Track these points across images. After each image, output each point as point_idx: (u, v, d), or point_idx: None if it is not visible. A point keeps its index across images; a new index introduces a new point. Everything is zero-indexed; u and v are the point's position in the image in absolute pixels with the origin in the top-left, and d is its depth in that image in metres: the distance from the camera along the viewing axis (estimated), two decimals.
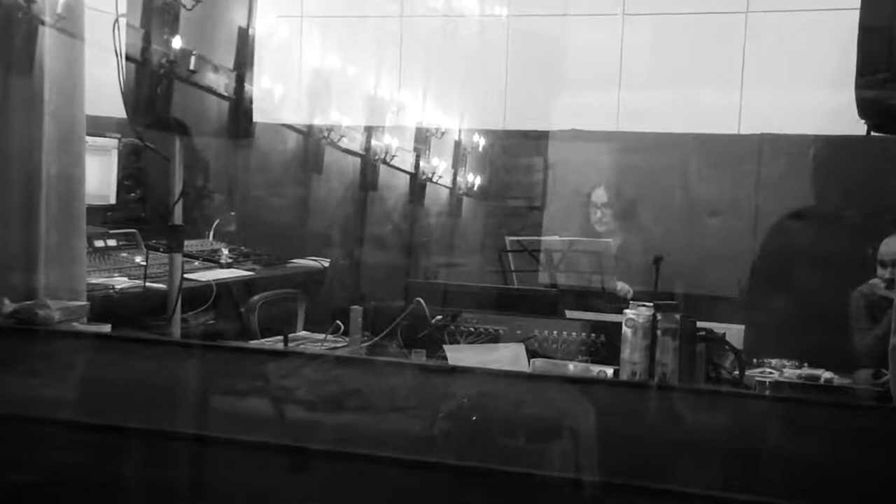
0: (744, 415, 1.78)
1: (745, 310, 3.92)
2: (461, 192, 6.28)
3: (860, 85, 2.55)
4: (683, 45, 4.10)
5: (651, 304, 2.11)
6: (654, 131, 4.13)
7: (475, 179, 6.23)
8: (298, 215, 5.17)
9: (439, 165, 6.06)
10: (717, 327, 3.04)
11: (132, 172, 3.76)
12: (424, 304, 2.42)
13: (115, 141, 3.70)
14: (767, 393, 1.98)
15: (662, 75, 4.16)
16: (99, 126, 3.77)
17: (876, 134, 2.46)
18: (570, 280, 3.52)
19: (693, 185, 4.17)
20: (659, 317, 2.07)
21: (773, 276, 4.03)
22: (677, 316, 2.08)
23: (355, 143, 5.54)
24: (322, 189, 5.47)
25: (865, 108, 2.48)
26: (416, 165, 5.99)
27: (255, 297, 3.46)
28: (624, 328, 2.08)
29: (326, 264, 4.34)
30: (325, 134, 5.30)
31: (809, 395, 1.89)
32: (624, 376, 2.06)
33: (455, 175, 6.28)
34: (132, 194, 3.79)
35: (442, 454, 1.53)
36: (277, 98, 4.94)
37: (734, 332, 3.13)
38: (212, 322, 3.42)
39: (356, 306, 2.44)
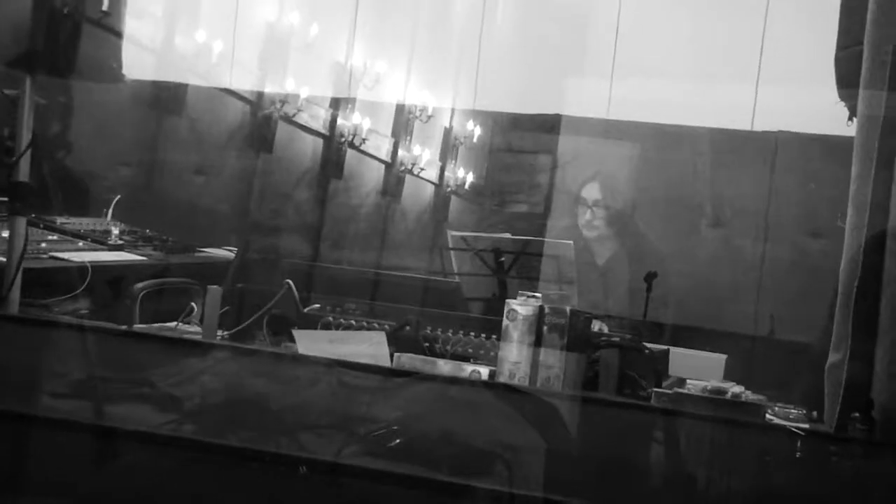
0: (603, 426, 1.91)
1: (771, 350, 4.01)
2: (449, 189, 6.44)
3: (840, 59, 2.68)
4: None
5: (539, 294, 2.23)
6: (647, 121, 4.27)
7: (467, 175, 6.39)
8: (237, 200, 5.33)
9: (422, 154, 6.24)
10: (687, 354, 3.18)
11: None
12: (295, 289, 2.56)
13: None
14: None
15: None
16: None
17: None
18: (523, 289, 3.61)
19: (695, 188, 4.29)
20: (546, 310, 2.19)
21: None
22: (567, 309, 2.19)
23: (317, 120, 5.72)
24: (274, 171, 5.62)
25: (846, 84, 2.60)
26: (394, 153, 6.18)
27: (140, 285, 3.60)
28: (504, 321, 2.20)
29: (258, 258, 4.49)
30: (278, 105, 5.45)
31: (689, 409, 2.00)
32: (503, 379, 2.18)
33: (443, 168, 6.45)
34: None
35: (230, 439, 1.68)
36: (216, 56, 5.09)
37: (711, 361, 3.26)
38: (84, 311, 3.56)
39: (214, 287, 2.60)
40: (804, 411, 2.44)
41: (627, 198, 4.28)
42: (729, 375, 2.99)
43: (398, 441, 1.98)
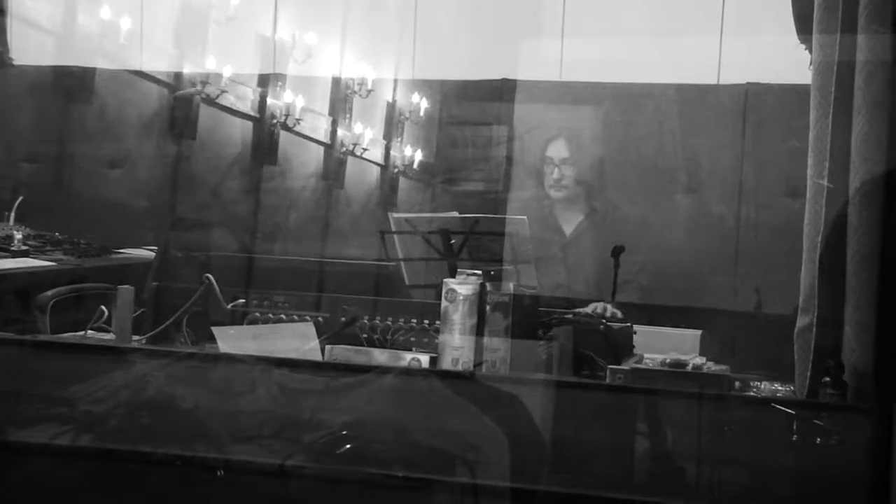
0: (553, 407, 1.97)
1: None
2: (396, 169, 6.46)
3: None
4: None
5: (479, 272, 2.28)
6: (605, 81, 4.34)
7: (415, 153, 6.41)
8: (158, 194, 5.32)
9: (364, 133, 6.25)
10: (659, 331, 3.25)
11: None
12: (216, 285, 2.60)
13: None
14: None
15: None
16: None
17: None
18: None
19: (664, 150, 4.36)
20: (488, 288, 2.24)
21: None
22: (511, 285, 2.25)
23: (244, 100, 5.72)
24: (199, 160, 5.60)
25: (804, 24, 2.67)
26: (333, 133, 6.19)
27: (48, 293, 3.61)
28: (443, 303, 2.25)
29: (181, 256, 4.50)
30: (199, 86, 5.44)
31: (646, 384, 2.07)
32: (446, 365, 2.23)
33: (388, 147, 6.47)
34: None
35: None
36: (125, 35, 5.07)
37: (685, 338, 3.33)
38: None
39: (125, 287, 2.63)
40: (791, 387, 2.52)
41: (595, 157, 4.32)
42: (707, 353, 3.06)
43: (348, 446, 2.03)
